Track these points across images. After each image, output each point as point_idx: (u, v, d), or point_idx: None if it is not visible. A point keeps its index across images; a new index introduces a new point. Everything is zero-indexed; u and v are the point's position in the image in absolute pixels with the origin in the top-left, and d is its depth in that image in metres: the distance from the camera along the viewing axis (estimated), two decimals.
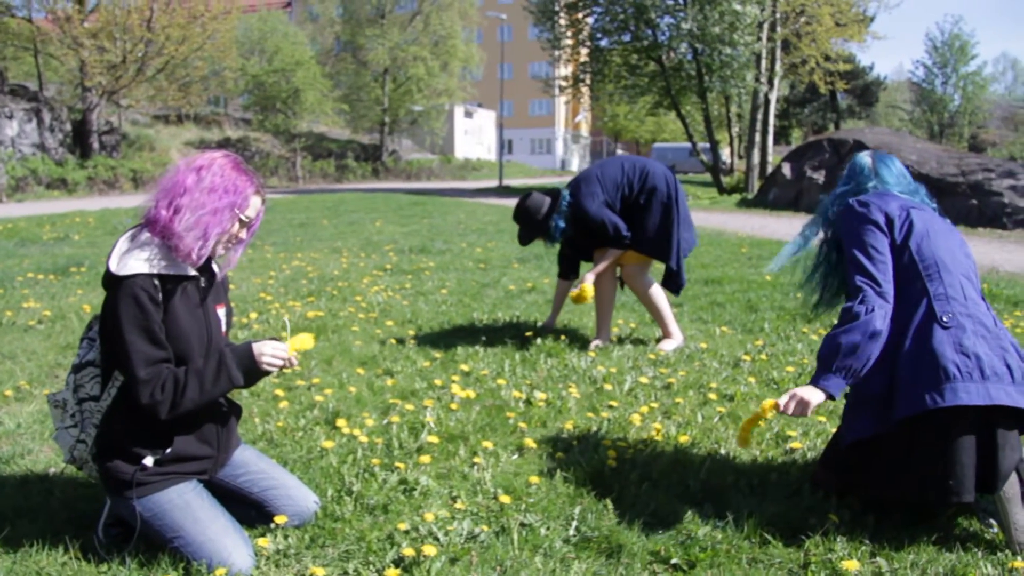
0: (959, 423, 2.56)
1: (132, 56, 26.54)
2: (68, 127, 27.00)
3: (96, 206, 18.43)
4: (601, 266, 5.08)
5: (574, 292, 5.03)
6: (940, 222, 2.90)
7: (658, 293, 5.25)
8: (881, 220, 2.81)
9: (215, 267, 2.65)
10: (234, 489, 2.73)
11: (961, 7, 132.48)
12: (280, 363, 2.52)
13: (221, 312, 2.69)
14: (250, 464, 2.78)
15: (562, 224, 5.03)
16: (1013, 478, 2.61)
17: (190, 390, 2.40)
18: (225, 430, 2.69)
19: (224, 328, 2.70)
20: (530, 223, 5.09)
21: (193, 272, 2.50)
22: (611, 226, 4.97)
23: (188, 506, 2.51)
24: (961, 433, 2.56)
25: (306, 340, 2.62)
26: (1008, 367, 2.57)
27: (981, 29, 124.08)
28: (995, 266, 9.02)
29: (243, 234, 2.57)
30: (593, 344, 5.22)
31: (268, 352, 2.51)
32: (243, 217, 2.52)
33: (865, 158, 3.12)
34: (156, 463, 2.49)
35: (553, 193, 5.11)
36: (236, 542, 2.47)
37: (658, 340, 5.31)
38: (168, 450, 2.50)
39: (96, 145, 27.23)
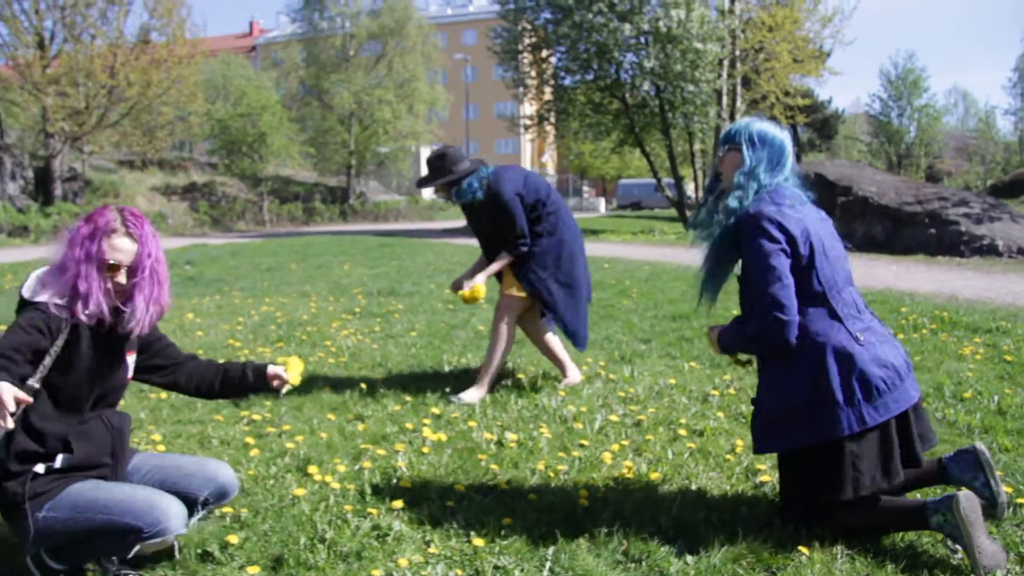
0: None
1: (95, 102, 26.46)
2: (30, 174, 26.80)
3: None
4: (493, 268, 5.06)
5: (465, 292, 5.01)
6: (823, 225, 2.95)
7: (549, 336, 5.33)
8: (783, 240, 2.80)
9: (127, 312, 2.50)
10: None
11: (912, 43, 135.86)
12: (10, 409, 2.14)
13: (131, 359, 2.68)
14: (148, 462, 2.77)
15: (476, 186, 4.94)
16: (975, 503, 2.67)
17: None
18: (119, 441, 2.64)
19: (130, 375, 2.69)
20: (442, 168, 4.95)
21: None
22: (516, 220, 4.91)
23: (99, 487, 2.47)
24: (888, 425, 2.81)
25: (296, 364, 2.93)
26: (905, 361, 2.87)
27: (932, 63, 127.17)
28: (955, 293, 9.18)
29: (121, 279, 2.46)
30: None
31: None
32: (106, 262, 2.43)
33: (779, 136, 2.99)
34: (48, 471, 2.44)
35: (477, 162, 5.08)
36: (171, 499, 2.47)
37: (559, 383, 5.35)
38: (61, 460, 2.45)
39: (59, 192, 27.01)
